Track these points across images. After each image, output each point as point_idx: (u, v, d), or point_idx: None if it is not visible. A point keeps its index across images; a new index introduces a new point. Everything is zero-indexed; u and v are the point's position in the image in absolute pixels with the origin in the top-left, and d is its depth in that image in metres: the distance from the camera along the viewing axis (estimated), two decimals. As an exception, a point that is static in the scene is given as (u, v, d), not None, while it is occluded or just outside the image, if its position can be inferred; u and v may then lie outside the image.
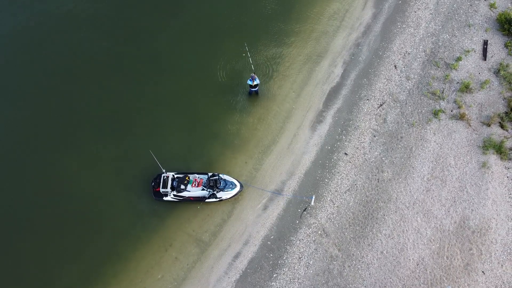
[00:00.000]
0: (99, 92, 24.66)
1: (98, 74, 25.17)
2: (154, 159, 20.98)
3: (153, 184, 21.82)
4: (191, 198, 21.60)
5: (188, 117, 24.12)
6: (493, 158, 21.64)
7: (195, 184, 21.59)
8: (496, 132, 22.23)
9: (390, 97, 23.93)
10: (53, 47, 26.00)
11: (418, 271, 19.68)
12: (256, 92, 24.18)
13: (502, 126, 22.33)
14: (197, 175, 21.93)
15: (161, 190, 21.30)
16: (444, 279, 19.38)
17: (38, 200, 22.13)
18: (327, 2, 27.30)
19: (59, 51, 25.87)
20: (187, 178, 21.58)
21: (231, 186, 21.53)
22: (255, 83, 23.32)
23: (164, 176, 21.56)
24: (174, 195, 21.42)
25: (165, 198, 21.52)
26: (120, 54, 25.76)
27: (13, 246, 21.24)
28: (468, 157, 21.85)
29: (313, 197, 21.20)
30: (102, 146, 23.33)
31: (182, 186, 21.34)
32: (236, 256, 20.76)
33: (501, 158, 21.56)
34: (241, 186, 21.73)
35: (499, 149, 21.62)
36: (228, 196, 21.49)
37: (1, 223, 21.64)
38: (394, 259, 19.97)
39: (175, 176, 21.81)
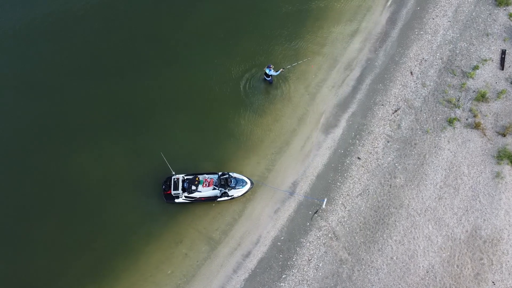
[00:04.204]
0: (111, 91, 24.79)
1: (112, 72, 25.32)
2: (163, 157, 21.08)
3: (163, 187, 21.90)
4: (203, 199, 21.72)
5: (200, 117, 24.20)
6: (507, 169, 21.52)
7: (206, 184, 21.68)
8: (511, 143, 22.11)
9: (405, 103, 23.91)
10: (68, 44, 26.12)
11: (427, 278, 19.65)
12: (270, 82, 24.44)
13: (517, 137, 22.23)
14: (206, 175, 22.03)
15: (173, 192, 21.31)
16: None
17: (51, 193, 22.41)
18: (345, 6, 27.30)
19: (73, 48, 26.01)
20: (197, 178, 21.66)
21: (241, 183, 21.65)
22: (269, 73, 23.61)
23: (174, 179, 21.62)
24: (185, 196, 21.53)
25: (176, 201, 21.60)
26: (134, 52, 25.86)
27: (25, 238, 21.52)
28: (482, 167, 21.76)
29: (325, 200, 21.25)
30: (114, 143, 23.43)
31: (193, 187, 21.39)
32: (246, 255, 20.89)
33: (516, 169, 21.47)
34: (252, 183, 21.86)
35: (514, 160, 21.53)
36: (240, 194, 21.63)
37: (14, 215, 21.97)
38: (404, 266, 19.96)
39: (185, 177, 21.88)
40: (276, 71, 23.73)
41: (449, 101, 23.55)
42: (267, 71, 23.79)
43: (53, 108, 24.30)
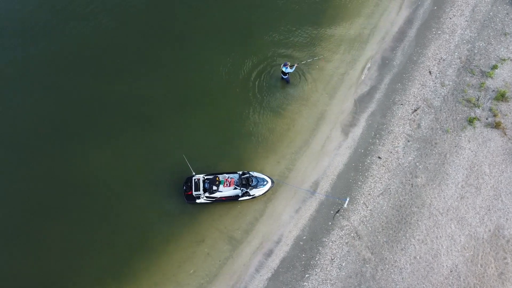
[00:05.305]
0: (131, 90, 24.74)
1: (132, 73, 25.28)
2: (184, 158, 21.11)
3: (184, 188, 21.83)
4: (223, 199, 21.68)
5: (218, 117, 24.14)
6: (529, 168, 21.55)
7: (226, 184, 21.63)
8: (532, 142, 22.14)
9: (425, 102, 23.89)
10: (88, 44, 26.18)
11: (451, 278, 19.63)
12: (286, 80, 24.45)
13: (538, 136, 22.22)
14: (226, 175, 21.99)
15: (194, 193, 21.26)
16: (478, 287, 19.30)
17: (70, 191, 22.41)
18: (361, 6, 27.30)
19: (87, 47, 26.04)
20: (217, 178, 21.62)
21: (262, 182, 21.63)
22: (286, 71, 23.68)
23: (195, 179, 21.59)
24: (206, 196, 21.46)
25: (197, 201, 21.53)
26: (149, 52, 25.83)
27: (45, 237, 21.50)
28: (503, 166, 21.75)
29: (347, 199, 21.22)
30: (133, 144, 23.41)
31: (214, 187, 21.36)
32: (268, 254, 20.86)
33: (537, 168, 21.45)
34: (272, 182, 21.85)
35: (535, 159, 21.52)
36: (261, 193, 21.60)
37: (33, 215, 21.92)
38: (427, 265, 19.94)
39: (205, 177, 21.82)
40: (292, 68, 23.74)
41: (468, 101, 23.54)
42: (283, 69, 23.80)
43: (72, 108, 24.29)
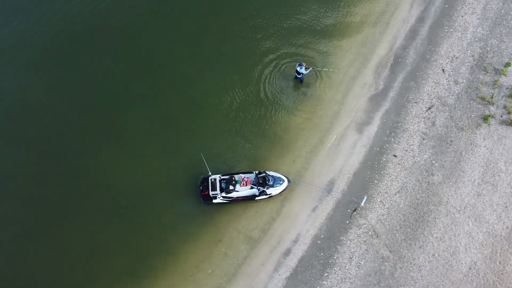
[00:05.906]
0: (145, 93, 24.75)
1: (142, 73, 25.29)
2: (201, 159, 21.15)
3: (201, 188, 21.81)
4: (240, 198, 21.67)
5: (234, 118, 24.10)
6: (545, 165, 21.58)
7: (243, 184, 21.62)
8: (547, 139, 22.17)
9: (439, 100, 23.92)
10: (106, 45, 26.19)
11: (470, 275, 19.65)
12: (300, 80, 24.51)
13: (553, 133, 22.25)
14: (242, 175, 21.99)
15: (211, 193, 21.23)
16: (498, 284, 19.34)
17: (88, 192, 22.40)
18: (373, 4, 27.32)
19: (110, 50, 26.06)
20: (233, 178, 21.62)
21: (279, 182, 21.63)
22: (300, 71, 23.73)
23: (211, 179, 21.58)
24: (223, 196, 21.46)
25: (214, 201, 21.51)
26: (164, 54, 25.83)
27: (64, 239, 21.48)
28: (519, 163, 21.82)
29: (365, 197, 21.23)
30: (151, 144, 23.48)
31: (231, 187, 21.34)
32: (286, 253, 20.86)
33: (553, 165, 21.49)
34: (289, 181, 21.84)
35: (551, 156, 21.55)
36: (277, 192, 21.61)
37: (51, 217, 21.93)
38: (446, 262, 19.97)
39: (221, 177, 21.84)
40: (306, 70, 23.74)
41: (482, 98, 23.58)
42: (298, 69, 23.82)
43: (91, 110, 24.25)
